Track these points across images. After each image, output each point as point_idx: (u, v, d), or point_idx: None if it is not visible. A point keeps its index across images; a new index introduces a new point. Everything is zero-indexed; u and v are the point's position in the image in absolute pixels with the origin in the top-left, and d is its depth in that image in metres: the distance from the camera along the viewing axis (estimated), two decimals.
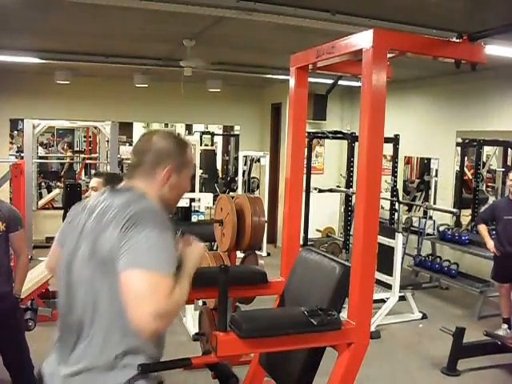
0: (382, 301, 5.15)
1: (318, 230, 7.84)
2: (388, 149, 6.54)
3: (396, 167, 6.69)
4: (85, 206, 1.77)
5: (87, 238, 1.59)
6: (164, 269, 1.46)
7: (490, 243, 4.94)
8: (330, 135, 6.84)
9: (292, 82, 2.48)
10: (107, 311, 1.51)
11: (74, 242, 1.64)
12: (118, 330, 1.50)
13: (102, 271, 1.51)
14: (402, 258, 5.79)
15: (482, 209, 6.24)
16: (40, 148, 11.28)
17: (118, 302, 1.45)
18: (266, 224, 3.77)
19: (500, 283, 5.01)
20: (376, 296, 4.96)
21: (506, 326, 4.88)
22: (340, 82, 7.20)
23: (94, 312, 1.53)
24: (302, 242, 5.99)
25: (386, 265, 5.17)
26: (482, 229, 5.06)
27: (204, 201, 6.10)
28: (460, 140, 6.82)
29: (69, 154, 12.16)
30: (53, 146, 12.88)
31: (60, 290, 1.68)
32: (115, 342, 1.51)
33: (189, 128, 13.39)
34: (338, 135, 6.90)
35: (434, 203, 7.06)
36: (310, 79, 2.53)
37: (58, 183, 11.01)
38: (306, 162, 6.57)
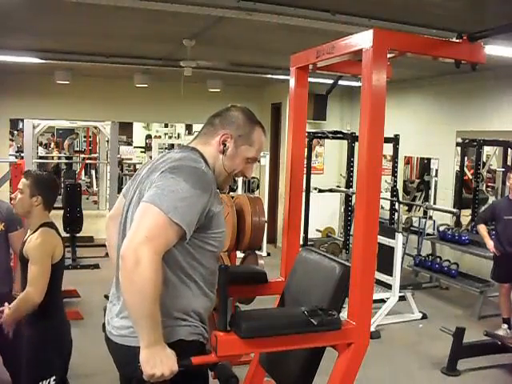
0: (382, 301, 5.15)
1: (318, 230, 7.84)
2: (388, 149, 6.54)
3: (396, 167, 6.69)
4: (160, 156, 1.81)
5: (139, 186, 1.68)
6: (175, 218, 1.49)
7: (490, 243, 4.95)
8: (330, 135, 6.84)
9: (292, 82, 2.48)
10: None
11: (132, 192, 1.74)
12: None
13: None
14: (402, 258, 5.79)
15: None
16: (40, 148, 11.29)
17: None
18: (266, 224, 3.77)
19: (500, 283, 5.02)
20: (376, 296, 4.96)
21: (505, 325, 4.88)
22: (340, 82, 7.19)
23: None
24: (302, 242, 5.99)
25: (385, 265, 5.17)
26: (482, 229, 5.06)
27: None
28: (460, 140, 6.82)
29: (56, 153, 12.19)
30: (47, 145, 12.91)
31: (118, 236, 1.77)
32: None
33: (189, 128, 13.41)
34: (338, 135, 6.91)
35: (434, 203, 7.06)
36: (310, 79, 2.53)
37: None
38: (306, 162, 6.57)
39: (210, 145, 1.73)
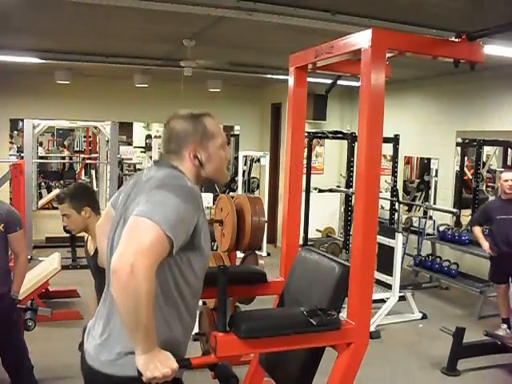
0: (382, 301, 5.15)
1: (318, 230, 7.83)
2: (388, 149, 6.54)
3: (396, 167, 6.69)
4: (137, 176, 1.81)
5: (125, 210, 1.67)
6: (168, 230, 1.47)
7: (485, 244, 4.93)
8: (330, 135, 6.84)
9: (291, 82, 2.48)
10: None
11: (119, 211, 1.72)
12: None
13: None
14: (402, 258, 5.79)
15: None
16: (40, 148, 11.28)
17: None
18: (266, 224, 3.76)
19: (497, 284, 5.01)
20: (376, 296, 4.96)
21: (505, 325, 4.88)
22: (340, 82, 7.20)
23: None
24: (301, 242, 5.99)
25: (385, 265, 5.17)
26: (477, 231, 5.07)
27: (204, 201, 6.09)
28: (460, 140, 6.82)
29: (67, 153, 12.19)
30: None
31: (106, 253, 1.76)
32: None
33: None
34: (338, 135, 6.91)
35: (434, 203, 7.06)
36: (310, 79, 2.53)
37: (58, 183, 11.01)
38: (306, 162, 6.57)
39: (185, 164, 1.72)
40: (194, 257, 1.63)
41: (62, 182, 10.71)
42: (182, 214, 1.52)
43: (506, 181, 4.82)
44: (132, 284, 1.38)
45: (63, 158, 12.15)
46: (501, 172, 5.32)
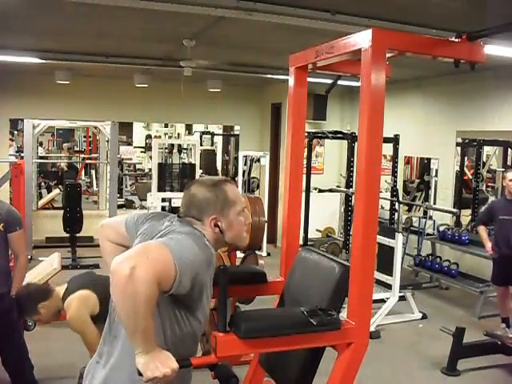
0: (382, 301, 5.15)
1: (318, 230, 7.84)
2: (388, 149, 6.54)
3: (396, 167, 6.68)
4: (157, 220, 1.80)
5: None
6: (175, 258, 1.46)
7: (488, 245, 4.90)
8: (330, 135, 6.84)
9: (291, 82, 2.48)
10: None
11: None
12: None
13: None
14: (402, 258, 5.79)
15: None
16: (40, 148, 11.29)
17: None
18: (266, 224, 3.77)
19: (497, 286, 5.00)
20: (376, 296, 4.96)
21: (504, 325, 4.88)
22: (340, 82, 7.20)
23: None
24: (301, 242, 5.98)
25: (386, 265, 5.17)
26: (482, 230, 5.02)
27: None
28: (460, 140, 6.82)
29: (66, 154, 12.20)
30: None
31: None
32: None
33: (189, 128, 13.40)
34: (338, 135, 6.90)
35: (434, 203, 7.06)
36: (310, 79, 2.53)
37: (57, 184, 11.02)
38: (306, 162, 6.57)
39: (206, 229, 1.73)
40: (194, 319, 1.64)
41: (61, 182, 10.71)
42: (195, 259, 1.54)
43: (511, 180, 4.81)
44: (131, 287, 1.37)
45: (62, 159, 12.14)
46: (505, 171, 5.29)
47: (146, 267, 1.39)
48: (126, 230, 1.85)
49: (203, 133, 12.14)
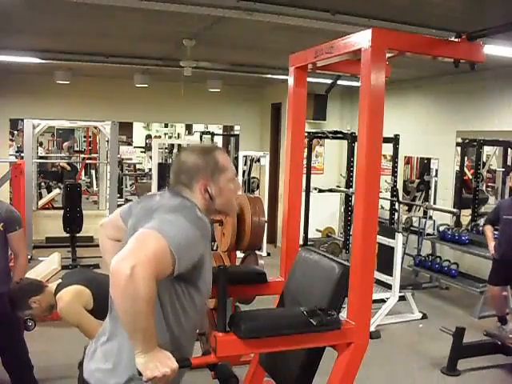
0: (382, 301, 5.15)
1: (318, 230, 7.83)
2: (388, 149, 6.54)
3: (396, 167, 6.68)
4: (149, 199, 1.81)
5: (135, 230, 1.65)
6: (171, 245, 1.46)
7: (491, 245, 4.89)
8: (330, 135, 6.84)
9: (291, 82, 2.49)
10: None
11: (127, 235, 1.70)
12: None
13: None
14: (402, 258, 5.79)
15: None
16: (40, 148, 11.29)
17: None
18: (266, 224, 3.77)
19: (491, 285, 4.98)
20: (376, 296, 4.96)
21: (499, 323, 4.87)
22: (340, 82, 7.19)
23: None
24: (301, 242, 5.99)
25: (386, 265, 5.17)
26: (487, 230, 5.00)
27: None
28: (460, 140, 6.82)
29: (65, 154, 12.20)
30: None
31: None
32: None
33: (189, 128, 13.41)
34: (338, 135, 6.90)
35: (434, 203, 7.05)
36: (310, 79, 2.53)
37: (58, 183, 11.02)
38: (306, 162, 6.57)
39: (195, 196, 1.73)
40: (196, 291, 1.64)
41: (61, 181, 10.71)
42: (190, 238, 1.53)
43: None
44: (131, 287, 1.37)
45: (63, 158, 12.14)
46: (507, 172, 5.27)
47: (145, 265, 1.39)
48: (123, 221, 1.85)
49: (203, 133, 12.13)
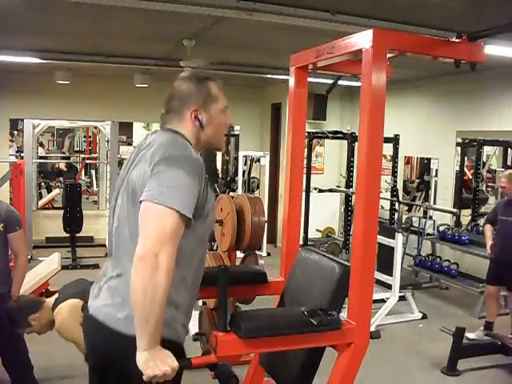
0: (382, 301, 5.15)
1: (318, 230, 7.83)
2: (388, 149, 6.54)
3: (396, 167, 6.68)
4: (140, 143, 1.82)
5: (128, 170, 1.70)
6: (179, 208, 1.50)
7: (488, 245, 4.91)
8: (330, 135, 6.84)
9: (291, 82, 2.48)
10: (129, 239, 1.62)
11: (122, 175, 1.75)
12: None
13: (132, 201, 1.63)
14: (402, 258, 5.79)
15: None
16: (40, 148, 11.28)
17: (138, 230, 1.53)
18: (266, 224, 3.77)
19: (488, 285, 4.98)
20: (376, 296, 4.96)
21: (482, 328, 4.81)
22: (340, 82, 7.18)
23: (117, 238, 1.68)
24: (301, 242, 5.99)
25: (386, 265, 5.17)
26: (487, 229, 5.02)
27: None
28: (460, 140, 6.82)
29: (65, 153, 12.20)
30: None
31: (109, 215, 1.80)
32: None
33: None
34: (338, 135, 6.90)
35: (434, 203, 7.06)
36: (310, 79, 2.53)
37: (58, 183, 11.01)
38: (306, 162, 6.57)
39: (185, 125, 1.74)
40: (199, 224, 1.65)
41: (61, 181, 10.72)
42: (191, 190, 1.57)
43: (500, 185, 4.82)
44: (155, 277, 1.42)
45: (63, 158, 12.14)
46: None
47: (166, 251, 1.45)
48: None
49: None
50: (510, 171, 4.96)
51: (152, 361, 1.47)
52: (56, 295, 3.10)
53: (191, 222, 1.55)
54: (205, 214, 1.67)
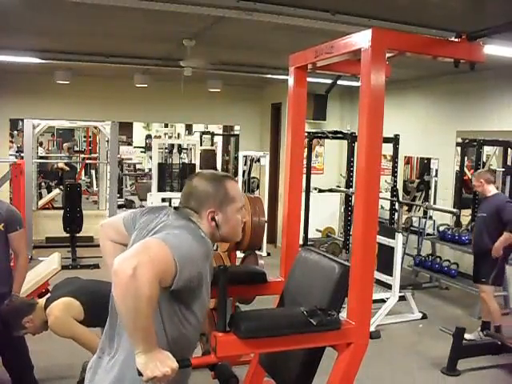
0: (382, 301, 5.15)
1: (318, 230, 7.83)
2: (388, 149, 6.53)
3: (396, 167, 6.68)
4: (154, 214, 1.81)
5: (145, 236, 1.70)
6: (175, 254, 1.48)
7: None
8: (330, 135, 6.84)
9: (291, 82, 2.49)
10: None
11: (133, 242, 1.73)
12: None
13: None
14: (402, 258, 5.79)
15: None
16: (40, 148, 11.28)
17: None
18: (266, 224, 3.77)
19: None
20: (376, 296, 4.96)
21: (479, 328, 4.79)
22: (340, 82, 7.20)
23: None
24: (301, 242, 5.99)
25: (386, 265, 5.17)
26: None
27: None
28: (460, 140, 6.82)
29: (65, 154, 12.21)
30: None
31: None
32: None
33: (189, 128, 13.41)
34: (338, 135, 6.90)
35: (434, 203, 7.05)
36: (310, 79, 2.53)
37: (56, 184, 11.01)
38: (306, 162, 6.57)
39: (202, 222, 1.76)
40: (192, 314, 1.65)
41: (61, 182, 10.72)
42: (193, 252, 1.56)
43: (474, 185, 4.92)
44: (133, 286, 1.38)
45: (62, 158, 12.14)
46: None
47: (147, 266, 1.40)
48: (125, 228, 1.86)
49: (203, 133, 12.14)
50: (478, 171, 5.03)
51: (152, 362, 1.47)
52: (48, 295, 3.10)
53: (176, 275, 1.48)
54: (198, 300, 1.65)
